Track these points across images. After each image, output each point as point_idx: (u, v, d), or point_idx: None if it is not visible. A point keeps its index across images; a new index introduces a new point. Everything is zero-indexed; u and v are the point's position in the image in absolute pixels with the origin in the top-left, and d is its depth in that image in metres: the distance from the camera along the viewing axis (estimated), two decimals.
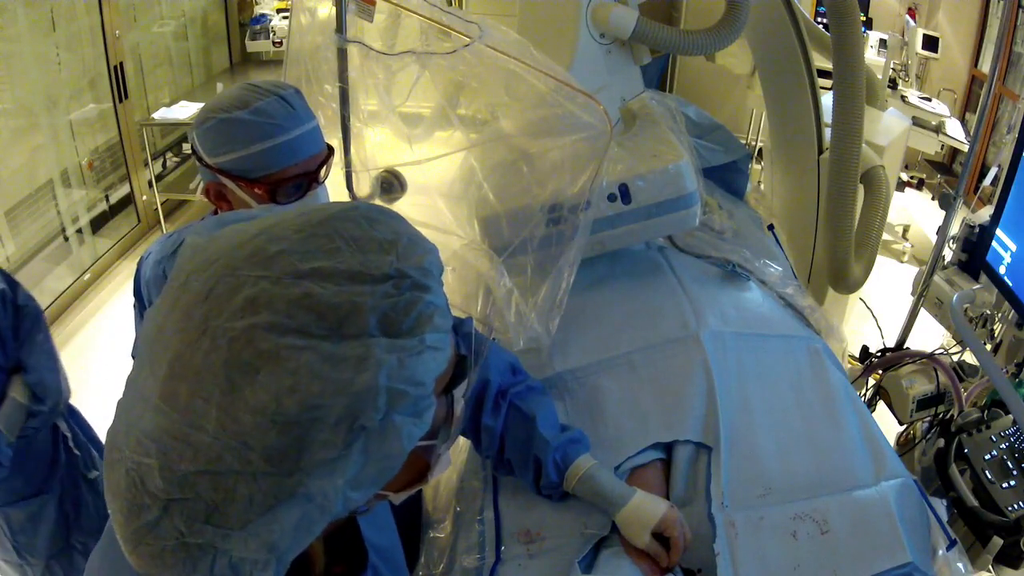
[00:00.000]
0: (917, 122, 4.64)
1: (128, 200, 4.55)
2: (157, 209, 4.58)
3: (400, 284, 0.53)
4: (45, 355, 1.85)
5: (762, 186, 2.87)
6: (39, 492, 1.89)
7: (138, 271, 1.40)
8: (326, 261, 0.52)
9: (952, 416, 1.83)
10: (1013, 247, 1.84)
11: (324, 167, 1.31)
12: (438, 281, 0.57)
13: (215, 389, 0.50)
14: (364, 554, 0.74)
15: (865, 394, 2.13)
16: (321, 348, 0.50)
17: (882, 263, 3.27)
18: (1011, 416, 1.67)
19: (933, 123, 4.87)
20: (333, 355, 0.50)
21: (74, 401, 2.04)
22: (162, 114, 4.47)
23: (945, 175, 5.50)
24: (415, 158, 1.61)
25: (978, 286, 2.07)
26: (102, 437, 0.76)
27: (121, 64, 4.19)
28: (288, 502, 0.51)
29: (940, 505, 1.23)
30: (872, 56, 5.09)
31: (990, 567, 1.55)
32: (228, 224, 0.59)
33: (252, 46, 5.31)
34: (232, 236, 0.56)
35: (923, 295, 2.15)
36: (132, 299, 1.47)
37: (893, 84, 5.10)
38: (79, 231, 4.16)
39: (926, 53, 5.40)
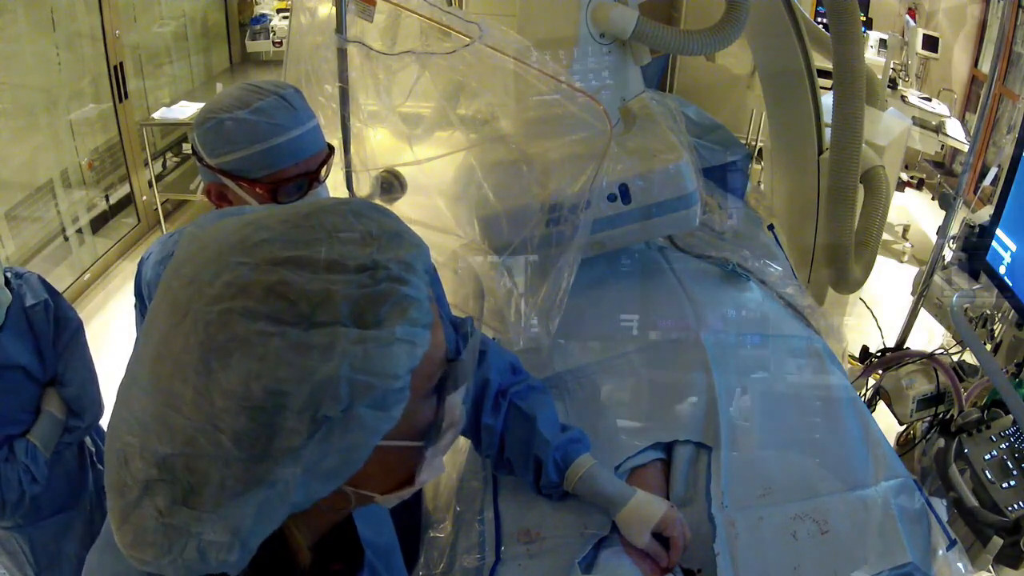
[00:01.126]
0: (917, 122, 4.64)
1: (128, 200, 4.55)
2: (157, 209, 4.58)
3: (376, 275, 0.53)
4: (85, 369, 1.82)
5: (762, 186, 2.87)
6: (64, 509, 1.85)
7: (139, 272, 1.40)
8: (305, 250, 0.53)
9: (952, 416, 1.83)
10: (1013, 247, 1.84)
11: (325, 167, 1.31)
12: (421, 277, 0.56)
13: (192, 371, 0.51)
14: (361, 552, 0.75)
15: (865, 394, 2.13)
16: (290, 335, 0.50)
17: (882, 263, 3.27)
18: (1011, 416, 1.67)
19: (933, 123, 4.87)
20: (300, 343, 0.50)
21: None
22: (162, 114, 4.47)
23: (945, 175, 5.50)
24: (415, 158, 1.61)
25: (978, 286, 2.07)
26: None
27: (121, 64, 4.19)
28: (256, 488, 0.52)
29: (940, 505, 1.23)
30: (872, 56, 5.09)
31: (990, 567, 1.55)
32: (229, 216, 0.60)
33: (252, 46, 5.31)
34: (225, 226, 0.57)
35: (923, 295, 2.15)
36: (132, 299, 1.47)
37: (893, 84, 5.10)
38: (79, 231, 4.16)
39: (926, 53, 5.40)
